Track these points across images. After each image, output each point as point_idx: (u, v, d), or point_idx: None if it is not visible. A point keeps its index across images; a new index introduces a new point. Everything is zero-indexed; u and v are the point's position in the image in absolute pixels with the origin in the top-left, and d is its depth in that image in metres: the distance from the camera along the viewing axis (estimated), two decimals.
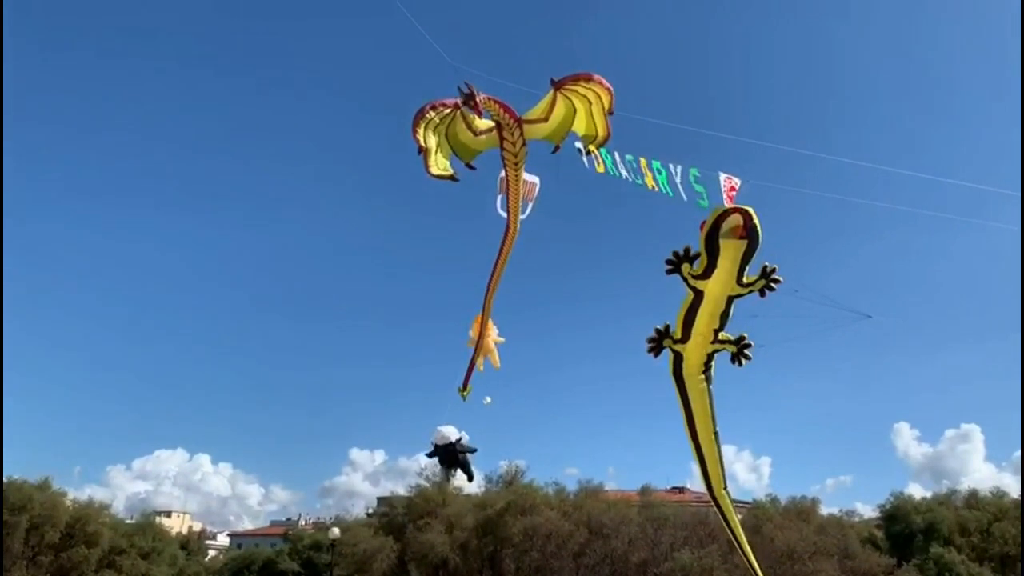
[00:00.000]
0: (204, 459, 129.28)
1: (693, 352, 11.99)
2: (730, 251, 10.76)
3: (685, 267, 11.06)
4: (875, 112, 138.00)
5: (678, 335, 11.84)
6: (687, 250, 11.03)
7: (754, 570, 15.20)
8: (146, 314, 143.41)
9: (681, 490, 70.05)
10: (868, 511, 58.96)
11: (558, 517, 50.38)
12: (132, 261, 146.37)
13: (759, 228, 10.56)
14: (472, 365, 16.38)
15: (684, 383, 12.34)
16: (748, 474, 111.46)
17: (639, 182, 11.78)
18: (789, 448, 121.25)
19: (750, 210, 10.55)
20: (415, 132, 11.80)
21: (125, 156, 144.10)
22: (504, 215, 14.50)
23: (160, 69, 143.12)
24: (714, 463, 13.04)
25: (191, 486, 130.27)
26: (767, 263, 11.02)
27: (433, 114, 11.90)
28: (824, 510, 54.75)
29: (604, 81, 11.63)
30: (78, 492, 56.95)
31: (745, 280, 11.06)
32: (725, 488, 13.48)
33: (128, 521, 60.66)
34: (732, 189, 10.84)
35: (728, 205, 10.71)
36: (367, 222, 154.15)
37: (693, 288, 11.23)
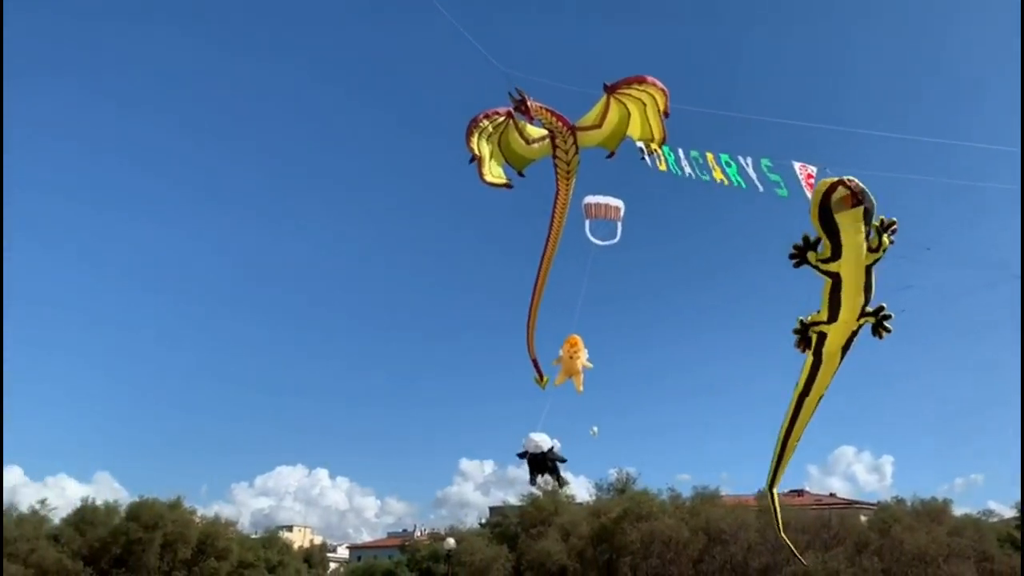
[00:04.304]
0: (322, 473, 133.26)
1: (838, 332, 11.49)
2: (848, 223, 10.13)
3: (811, 255, 10.54)
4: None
5: (824, 317, 11.32)
6: (806, 238, 10.52)
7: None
8: (265, 335, 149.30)
9: (800, 493, 67.53)
10: (1005, 510, 55.41)
11: (675, 523, 49.40)
12: (252, 277, 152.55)
13: (867, 190, 9.92)
14: (533, 360, 16.68)
15: (822, 361, 11.89)
16: (869, 475, 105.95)
17: (705, 178, 11.30)
18: (912, 446, 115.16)
19: (849, 177, 9.93)
20: (469, 141, 12.03)
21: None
22: (595, 241, 14.53)
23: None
24: (803, 424, 12.72)
25: (311, 500, 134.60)
26: (883, 216, 10.27)
27: (487, 123, 12.11)
28: (957, 510, 51.95)
29: (658, 83, 11.34)
30: (206, 509, 60.03)
31: (872, 244, 10.40)
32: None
33: (254, 536, 63.28)
34: (809, 176, 10.29)
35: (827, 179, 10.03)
36: (465, 234, 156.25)
37: (827, 273, 10.71)
